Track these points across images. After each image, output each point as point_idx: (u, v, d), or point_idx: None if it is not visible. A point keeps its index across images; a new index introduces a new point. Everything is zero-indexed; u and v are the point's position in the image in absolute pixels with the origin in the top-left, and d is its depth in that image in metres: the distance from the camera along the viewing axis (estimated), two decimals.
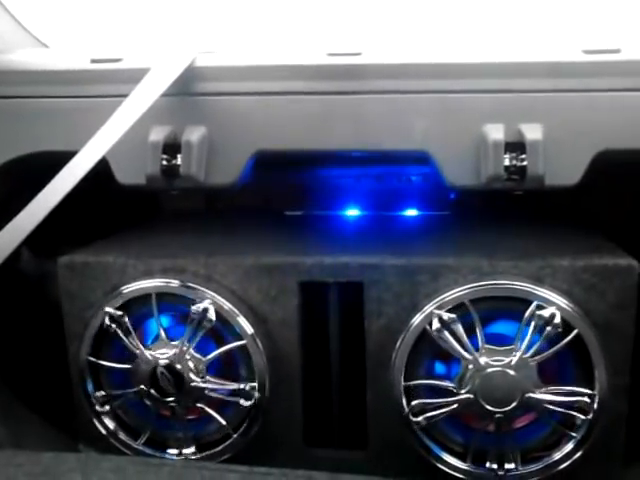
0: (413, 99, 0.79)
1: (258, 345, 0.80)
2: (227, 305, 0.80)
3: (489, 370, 0.75)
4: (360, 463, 0.84)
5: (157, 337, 0.81)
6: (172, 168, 0.80)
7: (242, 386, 0.81)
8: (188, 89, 0.81)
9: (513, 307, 0.77)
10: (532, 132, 0.76)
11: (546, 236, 0.91)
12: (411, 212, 1.08)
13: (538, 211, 1.02)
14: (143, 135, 0.79)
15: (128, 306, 0.82)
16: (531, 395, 0.74)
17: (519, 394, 0.74)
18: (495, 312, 0.78)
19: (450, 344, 0.76)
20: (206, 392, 0.80)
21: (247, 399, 0.81)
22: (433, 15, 0.92)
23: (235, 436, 0.82)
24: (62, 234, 0.96)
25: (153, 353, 0.79)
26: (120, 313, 0.80)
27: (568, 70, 0.77)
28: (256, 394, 0.80)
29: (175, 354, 0.79)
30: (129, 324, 0.80)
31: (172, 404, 0.80)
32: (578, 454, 0.77)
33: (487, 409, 0.75)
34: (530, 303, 0.76)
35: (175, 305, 0.82)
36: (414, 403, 0.78)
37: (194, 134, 0.80)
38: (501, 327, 0.79)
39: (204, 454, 0.83)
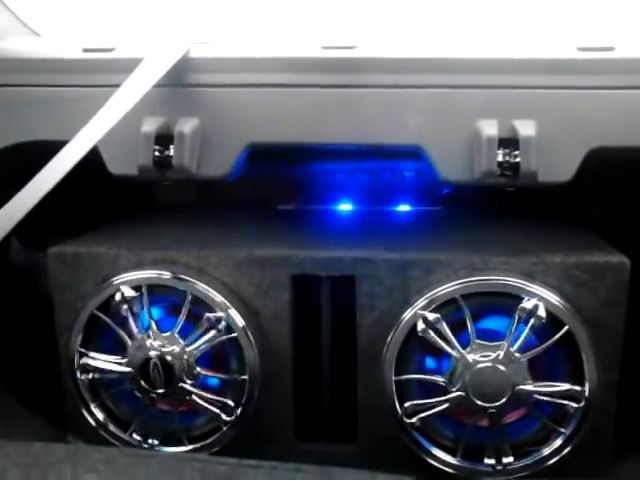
0: (407, 94, 0.79)
1: (249, 338, 0.80)
2: (219, 297, 0.80)
3: (478, 366, 0.75)
4: (350, 457, 0.84)
5: (148, 329, 0.81)
6: (164, 159, 0.79)
7: (232, 378, 0.80)
8: (181, 80, 0.81)
9: (505, 303, 0.77)
10: (526, 128, 0.76)
11: (538, 232, 0.91)
12: (404, 207, 1.08)
13: (530, 207, 1.03)
14: (136, 126, 0.79)
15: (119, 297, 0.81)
16: (521, 390, 0.75)
17: (509, 389, 0.74)
18: (487, 308, 0.78)
19: (437, 343, 0.76)
20: (196, 384, 0.80)
21: (237, 392, 0.81)
22: (428, 10, 0.92)
23: (225, 429, 0.82)
24: (53, 225, 0.96)
25: (143, 344, 0.79)
26: (133, 294, 0.79)
27: (562, 67, 0.78)
28: (247, 387, 0.80)
29: (165, 346, 0.79)
30: (135, 309, 0.80)
31: (162, 396, 0.80)
32: (567, 449, 0.78)
33: (478, 404, 0.75)
34: (521, 299, 0.76)
35: (166, 297, 0.81)
36: (407, 405, 0.78)
37: (187, 125, 0.80)
38: (493, 323, 0.79)
39: (194, 446, 0.83)
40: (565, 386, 0.76)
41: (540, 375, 0.77)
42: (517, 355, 0.75)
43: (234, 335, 0.80)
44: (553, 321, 0.76)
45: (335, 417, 0.87)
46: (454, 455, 0.80)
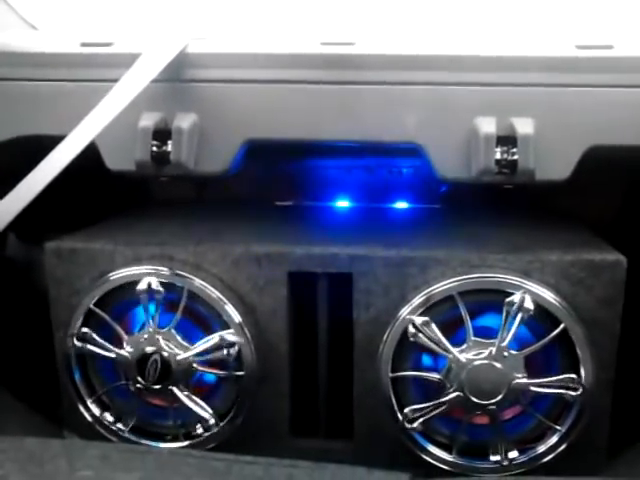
0: (406, 90, 0.79)
1: (246, 334, 0.80)
2: (215, 294, 0.80)
3: (473, 364, 0.75)
4: (346, 454, 0.84)
5: (144, 325, 0.81)
6: (162, 154, 0.79)
7: (229, 375, 0.80)
8: (179, 75, 0.81)
9: (501, 300, 0.77)
10: (524, 126, 0.76)
11: (535, 230, 0.91)
12: (402, 204, 1.08)
13: (528, 205, 1.03)
14: (133, 121, 0.79)
15: (115, 293, 0.81)
16: (517, 385, 0.75)
17: (505, 385, 0.75)
18: (483, 305, 0.78)
19: (429, 346, 0.76)
20: (192, 380, 0.80)
21: (234, 388, 0.81)
22: (427, 6, 0.92)
23: (221, 425, 0.82)
24: (50, 220, 0.95)
25: (140, 340, 0.79)
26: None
27: (561, 65, 0.78)
28: (243, 383, 0.80)
29: (162, 342, 0.79)
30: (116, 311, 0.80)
31: (158, 392, 0.80)
32: (562, 447, 0.78)
33: (474, 402, 0.75)
34: (510, 294, 0.76)
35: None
36: (407, 410, 0.78)
37: (185, 121, 0.80)
38: (490, 320, 0.79)
39: (190, 442, 0.83)
40: (561, 381, 0.76)
41: (536, 373, 0.77)
42: (511, 351, 0.75)
43: (231, 331, 0.79)
44: (549, 319, 0.76)
45: (331, 414, 0.87)
46: (449, 452, 0.80)
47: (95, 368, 0.84)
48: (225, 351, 0.79)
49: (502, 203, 1.01)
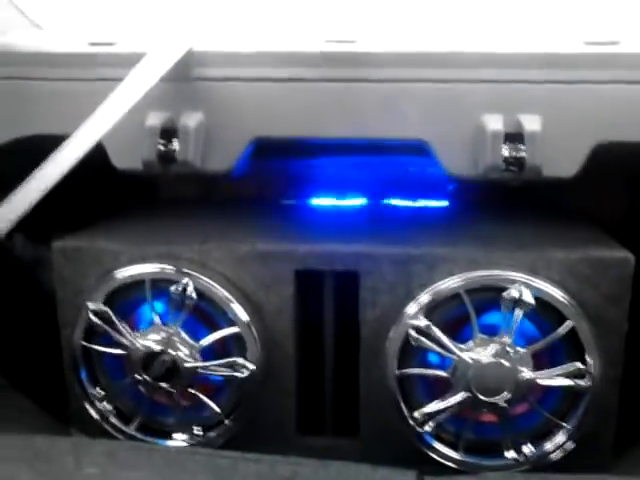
0: (412, 88, 0.79)
1: (252, 332, 0.80)
2: (222, 292, 0.80)
3: (479, 362, 0.75)
4: (352, 451, 0.84)
5: (150, 323, 0.81)
6: (169, 153, 0.79)
7: (235, 373, 0.81)
8: (186, 74, 0.81)
9: None
10: (531, 123, 0.76)
11: (542, 228, 0.91)
12: (408, 203, 1.08)
13: (535, 203, 1.02)
14: (140, 120, 0.79)
15: (122, 291, 0.81)
16: (523, 381, 0.74)
17: (512, 382, 0.74)
18: (490, 303, 0.78)
19: (432, 348, 0.77)
20: (199, 378, 0.80)
21: (240, 386, 0.81)
22: (433, 3, 0.92)
23: (227, 423, 0.82)
24: (57, 219, 0.96)
25: (147, 339, 0.79)
26: (104, 309, 0.80)
27: (568, 61, 0.77)
28: (249, 381, 0.80)
29: (169, 340, 0.79)
30: (113, 318, 0.80)
31: (165, 390, 0.80)
32: (569, 444, 0.78)
33: (482, 400, 0.75)
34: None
35: (169, 291, 0.81)
36: (416, 415, 0.78)
37: (191, 120, 0.80)
38: (496, 318, 0.79)
39: (196, 441, 0.83)
40: (566, 367, 0.76)
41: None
42: (518, 348, 0.75)
43: (237, 330, 0.80)
44: (556, 316, 0.76)
45: (337, 411, 0.87)
46: (456, 449, 0.80)
47: (102, 366, 0.84)
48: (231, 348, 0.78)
49: (509, 201, 1.01)
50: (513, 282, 0.76)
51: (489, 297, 0.77)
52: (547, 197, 1.02)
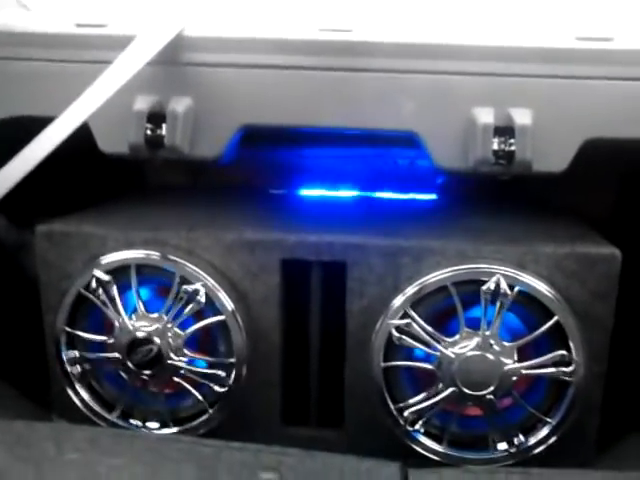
0: (403, 79, 0.78)
1: (238, 321, 0.79)
2: (208, 280, 0.79)
3: (463, 355, 0.75)
4: (337, 442, 0.84)
5: (135, 309, 0.80)
6: (156, 138, 0.78)
7: (220, 361, 0.80)
8: (175, 59, 0.80)
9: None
10: (522, 117, 0.76)
11: (531, 223, 0.91)
12: (398, 195, 1.08)
13: (524, 198, 1.02)
14: (128, 104, 0.78)
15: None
16: (508, 373, 0.74)
17: (497, 374, 0.74)
18: (478, 296, 0.78)
19: (415, 346, 0.77)
20: (183, 367, 0.79)
21: (224, 375, 0.80)
22: None
23: (211, 412, 0.81)
24: (42, 203, 0.95)
25: (131, 325, 0.78)
26: (107, 279, 0.79)
27: (560, 56, 0.77)
28: (234, 370, 0.80)
29: (153, 327, 0.78)
30: (113, 292, 0.79)
31: (148, 377, 0.79)
32: (553, 439, 0.78)
33: (467, 393, 0.75)
34: (512, 288, 0.76)
35: (154, 278, 0.81)
36: (407, 414, 0.78)
37: (180, 104, 0.79)
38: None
39: (179, 429, 0.82)
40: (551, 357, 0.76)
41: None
42: (504, 342, 0.75)
43: (222, 318, 0.79)
44: (543, 311, 0.76)
45: (322, 402, 0.87)
46: (440, 443, 0.80)
47: (85, 352, 0.83)
48: (194, 304, 0.78)
49: (498, 195, 1.01)
50: (501, 276, 0.76)
51: (476, 290, 0.77)
52: (536, 192, 1.02)
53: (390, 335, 0.78)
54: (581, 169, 0.77)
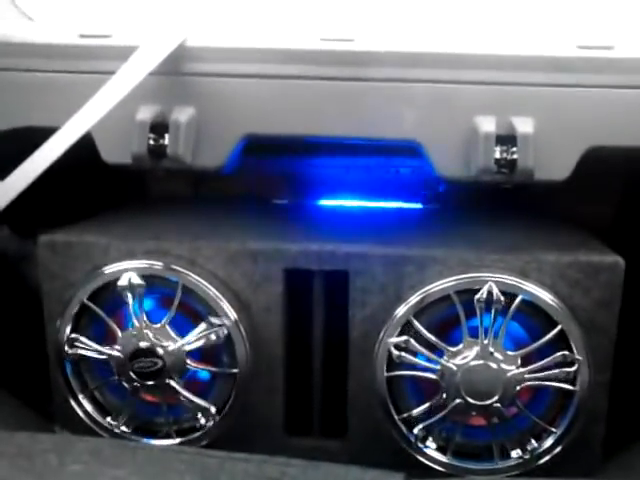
0: (405, 88, 0.79)
1: (241, 331, 0.79)
2: (210, 289, 0.79)
3: (465, 366, 0.74)
4: (340, 452, 0.83)
5: (138, 320, 0.80)
6: (159, 148, 0.78)
7: (223, 371, 0.80)
8: (178, 69, 0.80)
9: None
10: (523, 125, 0.76)
11: (534, 231, 0.91)
12: (400, 204, 1.08)
13: (527, 206, 1.02)
14: (131, 114, 0.78)
15: (109, 287, 0.80)
16: (512, 381, 0.74)
17: (500, 383, 0.74)
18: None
19: (415, 362, 0.76)
20: (186, 377, 0.79)
21: (228, 385, 0.80)
22: (428, 4, 0.91)
23: (215, 422, 0.81)
24: (45, 213, 0.95)
25: (133, 335, 0.78)
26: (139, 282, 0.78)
27: (562, 65, 0.77)
28: (237, 381, 0.80)
29: (156, 337, 0.78)
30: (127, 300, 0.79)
31: (151, 388, 0.79)
32: (558, 449, 0.77)
33: (472, 403, 0.75)
34: (515, 297, 0.75)
35: (158, 288, 0.80)
36: (416, 431, 0.78)
37: (182, 114, 0.79)
38: (487, 320, 0.78)
39: (183, 440, 0.82)
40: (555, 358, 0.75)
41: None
42: (508, 352, 0.75)
43: (226, 333, 0.79)
44: (546, 320, 0.76)
45: (325, 412, 0.87)
46: (444, 453, 0.79)
47: (87, 363, 0.83)
48: (214, 336, 0.78)
49: (500, 204, 1.01)
50: (504, 285, 0.76)
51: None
52: (539, 200, 1.02)
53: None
54: (583, 177, 0.77)
